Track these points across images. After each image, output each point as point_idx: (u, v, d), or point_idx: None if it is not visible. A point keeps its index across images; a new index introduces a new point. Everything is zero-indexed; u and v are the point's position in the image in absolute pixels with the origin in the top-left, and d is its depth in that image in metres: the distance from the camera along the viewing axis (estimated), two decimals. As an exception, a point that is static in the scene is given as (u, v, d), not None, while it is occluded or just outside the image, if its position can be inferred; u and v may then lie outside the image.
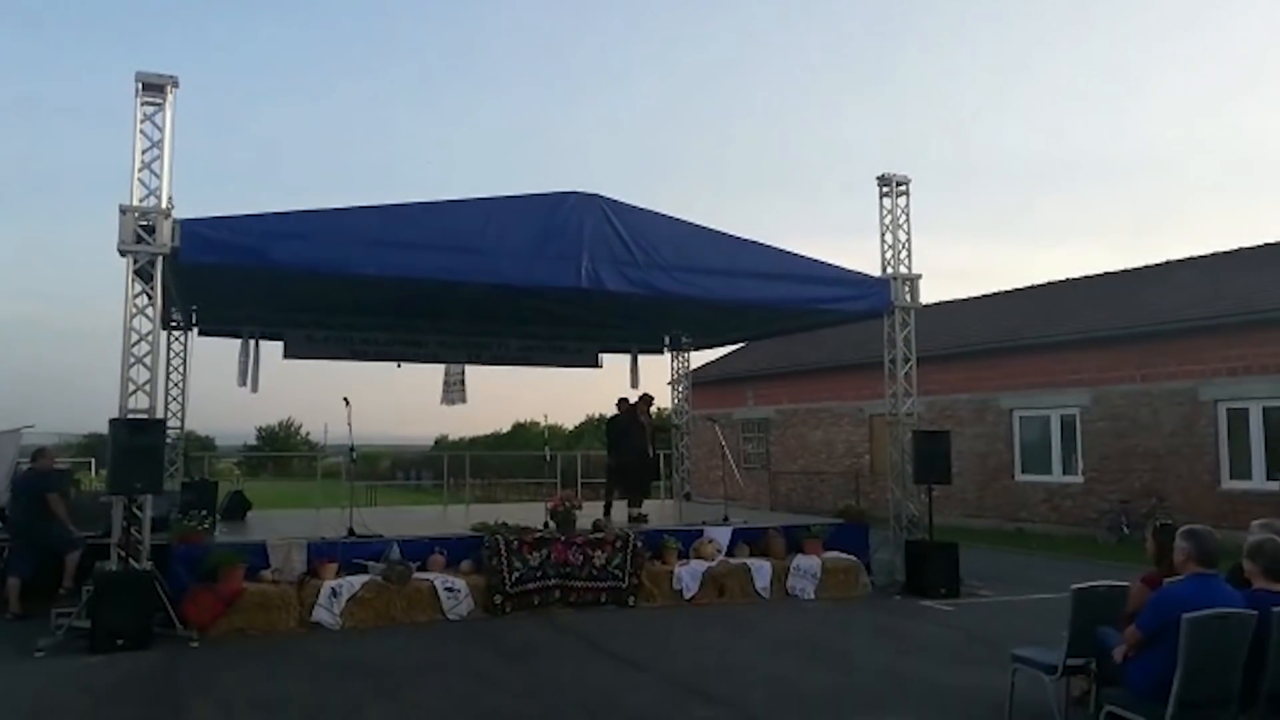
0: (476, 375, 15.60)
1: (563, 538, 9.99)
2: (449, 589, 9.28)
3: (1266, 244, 18.35)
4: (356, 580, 9.04)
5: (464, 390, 15.52)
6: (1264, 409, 15.15)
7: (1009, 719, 5.82)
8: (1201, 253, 19.56)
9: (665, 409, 18.25)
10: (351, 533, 9.89)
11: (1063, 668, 5.49)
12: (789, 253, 11.16)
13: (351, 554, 9.43)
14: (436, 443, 45.47)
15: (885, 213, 11.87)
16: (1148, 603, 4.88)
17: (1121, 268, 21.13)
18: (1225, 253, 19.04)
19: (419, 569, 9.41)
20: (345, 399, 10.67)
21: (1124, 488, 16.82)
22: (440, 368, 15.41)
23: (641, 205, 10.49)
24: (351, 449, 10.97)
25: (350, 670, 7.31)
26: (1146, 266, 20.47)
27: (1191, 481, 15.86)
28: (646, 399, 12.90)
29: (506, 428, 44.60)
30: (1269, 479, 14.77)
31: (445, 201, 9.76)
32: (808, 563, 10.85)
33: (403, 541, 9.69)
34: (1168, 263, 20.05)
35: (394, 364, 14.75)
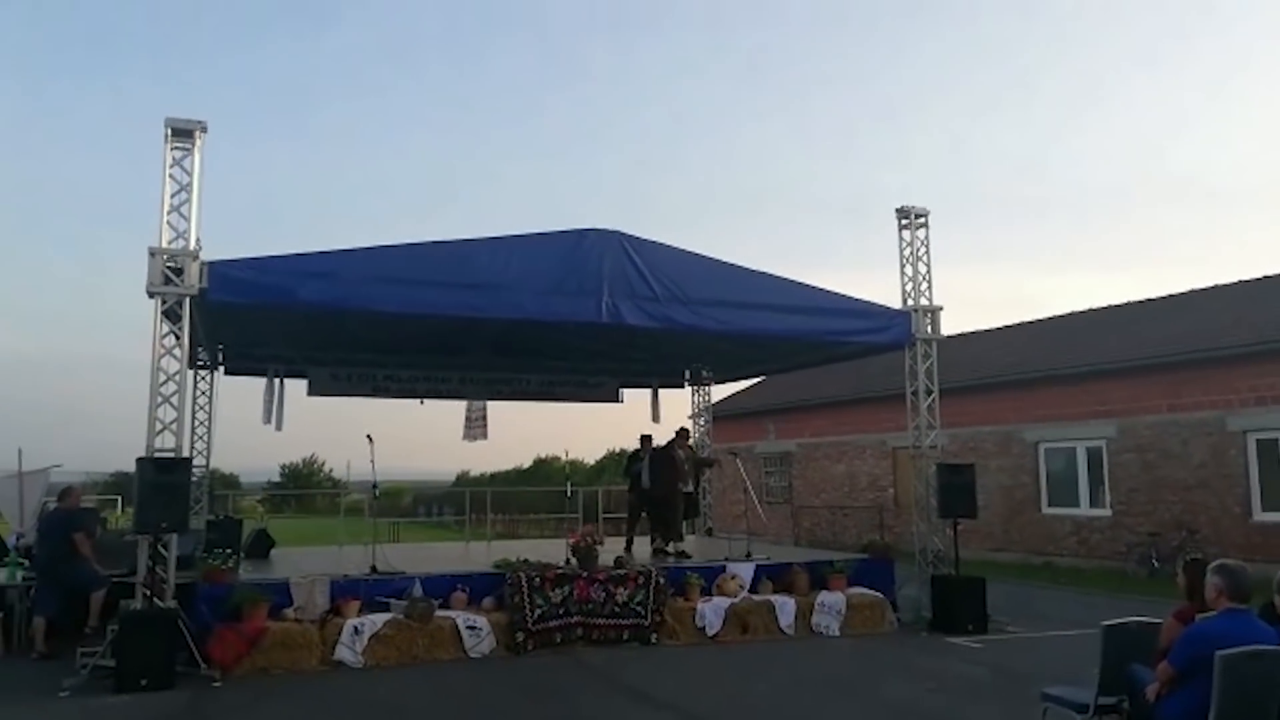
0: (498, 411, 15.67)
1: (585, 574, 9.94)
2: (471, 627, 9.25)
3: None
4: (379, 618, 9.03)
5: (486, 426, 15.58)
6: (1295, 439, 14.90)
7: (1040, 759, 5.71)
8: (1227, 281, 19.42)
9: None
10: (374, 570, 9.90)
11: (1094, 707, 5.38)
12: (808, 285, 11.16)
13: (374, 591, 9.42)
14: (458, 478, 45.53)
15: (905, 244, 11.87)
16: (1179, 639, 4.79)
17: (1145, 297, 20.99)
18: (1251, 280, 18.87)
19: (441, 606, 9.38)
20: (369, 436, 10.74)
21: (1153, 520, 16.54)
22: (462, 404, 15.49)
23: (658, 240, 10.59)
24: (374, 485, 11.00)
25: (372, 710, 7.29)
26: (1171, 295, 20.31)
27: (1222, 514, 15.58)
28: (684, 433, 12.94)
29: (528, 463, 44.55)
30: (1302, 511, 14.50)
31: (467, 240, 9.88)
32: (832, 599, 10.72)
33: (425, 579, 9.68)
34: (1192, 291, 19.88)
35: (416, 400, 14.85)
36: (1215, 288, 19.40)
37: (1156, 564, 15.63)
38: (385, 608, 9.24)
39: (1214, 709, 4.39)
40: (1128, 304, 21.06)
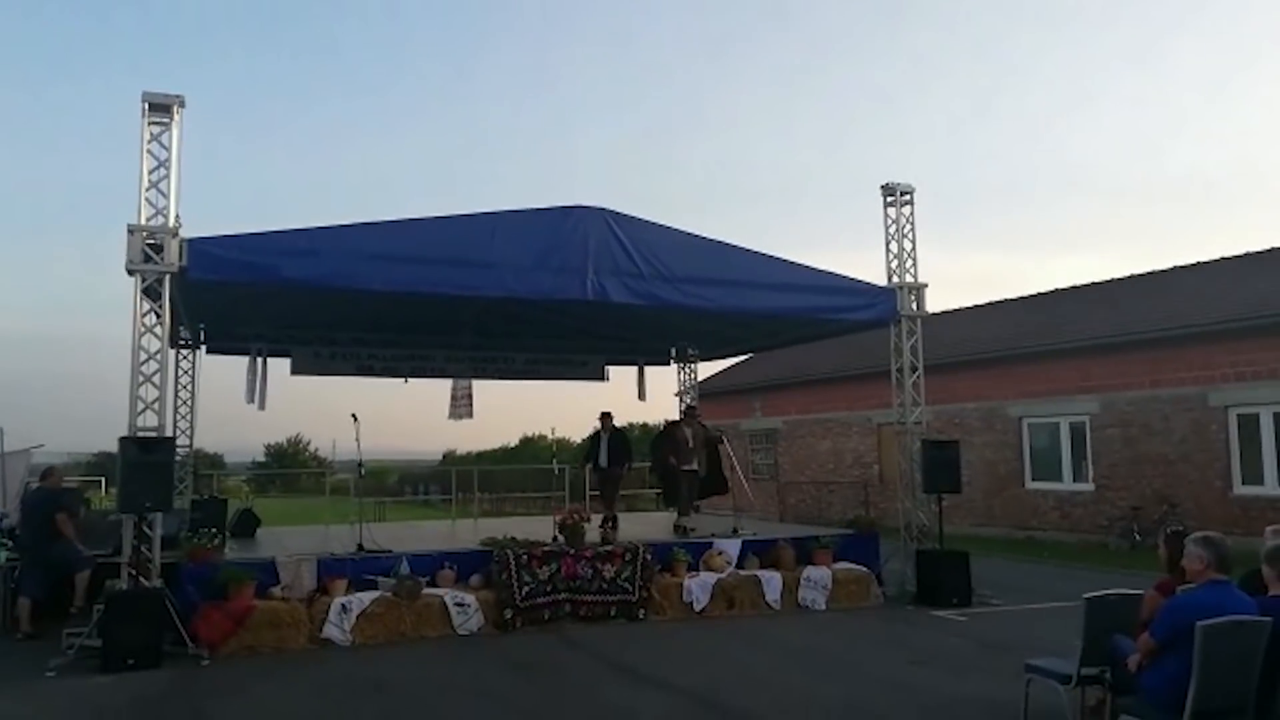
0: (483, 389, 15.61)
1: (572, 551, 9.97)
2: (459, 604, 9.27)
3: (1273, 248, 18.28)
4: (366, 596, 9.04)
5: (471, 405, 15.53)
6: (1274, 414, 15.05)
7: (1023, 729, 5.79)
8: (1208, 258, 19.53)
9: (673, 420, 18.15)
10: (361, 549, 9.89)
11: (1077, 677, 5.46)
12: (794, 263, 11.15)
13: (361, 570, 9.42)
14: (444, 457, 45.45)
15: (890, 222, 11.87)
16: (1161, 610, 4.85)
17: (1128, 273, 21.09)
18: (1232, 257, 18.98)
19: (429, 584, 9.40)
20: (354, 415, 10.69)
21: (1135, 494, 16.72)
22: (447, 382, 15.44)
23: (644, 217, 10.54)
24: (360, 465, 10.97)
25: (361, 687, 7.30)
26: (1153, 272, 20.41)
27: (1203, 487, 15.76)
28: (693, 411, 12.95)
29: (514, 441, 44.54)
30: (1281, 484, 14.67)
31: (451, 216, 9.80)
32: (818, 574, 10.80)
33: (412, 557, 9.68)
34: (1174, 268, 19.99)
35: (401, 379, 14.79)
36: (1198, 265, 19.50)
37: (1138, 537, 15.81)
38: (373, 586, 9.24)
39: (1195, 678, 4.45)
40: (1111, 281, 21.15)
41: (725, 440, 13.38)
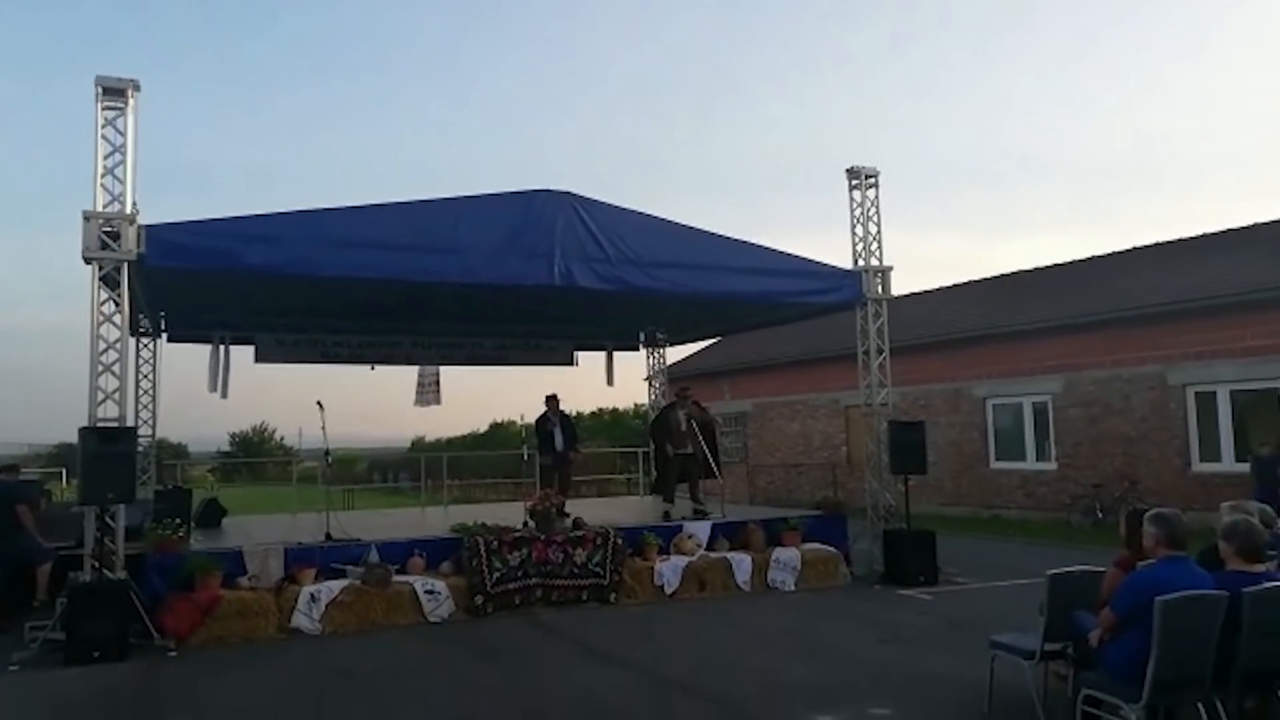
0: (452, 376, 15.54)
1: (542, 536, 9.98)
2: (429, 591, 9.24)
3: (1230, 229, 18.62)
4: (335, 585, 8.98)
5: (439, 392, 15.43)
6: (1231, 392, 15.40)
7: (989, 705, 5.89)
8: (1167, 239, 19.86)
9: (642, 404, 18.21)
10: (329, 537, 9.82)
11: (1040, 653, 5.56)
12: (761, 247, 11.19)
13: (329, 558, 9.36)
14: (413, 444, 45.23)
15: (855, 205, 11.93)
16: (1121, 586, 4.95)
17: (1089, 255, 21.39)
18: (1188, 239, 19.31)
19: (398, 572, 9.36)
20: (319, 402, 10.61)
21: (1097, 472, 17.03)
22: (414, 369, 15.32)
23: (611, 202, 10.50)
24: (327, 453, 10.88)
25: (331, 676, 7.26)
26: (1114, 254, 20.73)
27: (1162, 465, 16.09)
28: (685, 393, 12.82)
29: (483, 427, 44.34)
30: (1238, 461, 15.01)
31: (416, 201, 9.70)
32: (787, 555, 10.90)
33: (381, 545, 9.63)
34: (1133, 249, 20.31)
35: (367, 366, 14.66)
36: (1157, 245, 19.83)
37: (1100, 515, 16.12)
38: (342, 574, 9.19)
39: (1154, 652, 4.54)
40: (1073, 263, 21.45)
41: (719, 424, 13.22)
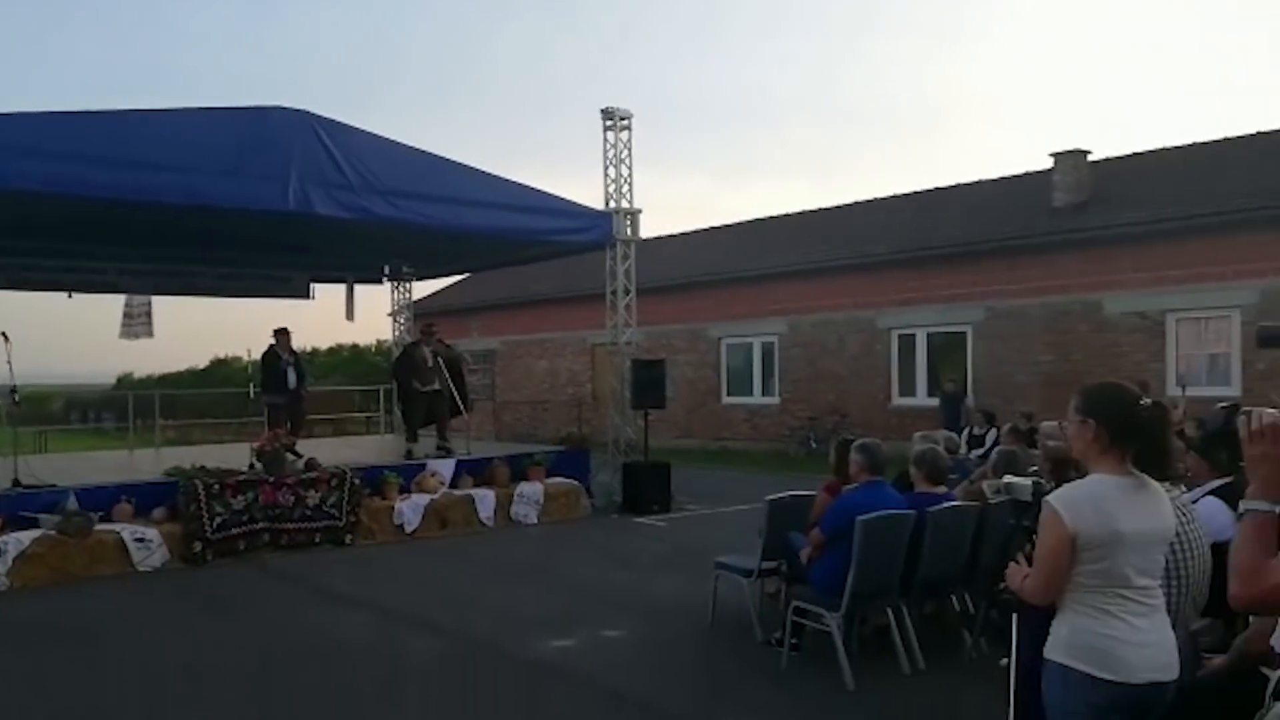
0: (167, 306, 14.15)
1: (271, 479, 9.42)
2: (139, 539, 8.48)
3: (935, 188, 20.73)
4: (26, 536, 8.02)
5: (150, 323, 13.95)
6: (928, 335, 17.33)
7: (712, 620, 6.36)
8: (885, 194, 21.81)
9: (385, 341, 17.54)
10: (17, 483, 8.73)
11: (758, 571, 6.05)
12: (513, 182, 11.04)
13: (18, 506, 8.34)
14: (119, 381, 40.85)
15: (609, 146, 12.06)
16: (828, 509, 5.48)
17: (818, 206, 23.06)
18: (903, 195, 21.31)
19: (102, 519, 8.50)
20: (3, 334, 9.29)
21: (813, 406, 18.64)
22: (120, 298, 13.77)
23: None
24: (13, 390, 9.59)
25: (27, 633, 6.55)
26: (839, 206, 22.48)
27: (868, 400, 17.88)
28: (430, 329, 12.29)
29: (203, 364, 40.88)
30: (929, 396, 16.99)
31: (127, 111, 8.70)
32: (531, 489, 11.05)
33: (81, 490, 8.69)
34: (856, 203, 22.14)
35: (64, 294, 13.02)
36: (874, 200, 21.72)
37: (814, 445, 17.68)
38: (34, 524, 8.22)
39: (854, 564, 5.08)
40: (804, 212, 23.05)
41: (467, 361, 12.92)
